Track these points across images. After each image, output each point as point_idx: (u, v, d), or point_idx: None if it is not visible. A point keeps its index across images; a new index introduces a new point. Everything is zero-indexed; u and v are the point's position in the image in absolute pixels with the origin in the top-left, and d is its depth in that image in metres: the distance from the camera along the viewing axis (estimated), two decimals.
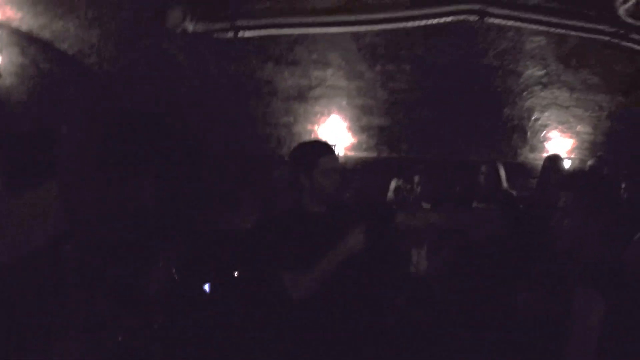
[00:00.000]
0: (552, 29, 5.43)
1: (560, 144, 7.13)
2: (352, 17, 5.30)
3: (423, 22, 5.20)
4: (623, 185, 5.63)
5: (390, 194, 6.23)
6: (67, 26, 6.31)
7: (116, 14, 6.16)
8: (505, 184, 5.51)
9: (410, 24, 5.25)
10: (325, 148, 2.98)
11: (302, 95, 7.27)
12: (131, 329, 4.61)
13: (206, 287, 5.50)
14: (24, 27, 6.18)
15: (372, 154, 7.53)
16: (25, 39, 6.33)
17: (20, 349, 4.32)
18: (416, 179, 5.59)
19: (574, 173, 5.79)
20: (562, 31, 5.46)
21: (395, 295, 5.35)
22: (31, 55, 6.46)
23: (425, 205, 5.50)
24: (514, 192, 5.59)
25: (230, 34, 5.68)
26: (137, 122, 7.85)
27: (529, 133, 7.18)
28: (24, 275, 5.70)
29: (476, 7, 5.09)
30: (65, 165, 6.78)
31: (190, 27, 5.57)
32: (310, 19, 5.40)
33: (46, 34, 6.45)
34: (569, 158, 7.00)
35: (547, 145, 7.18)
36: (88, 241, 6.70)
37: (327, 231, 2.82)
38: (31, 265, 5.88)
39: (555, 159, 5.88)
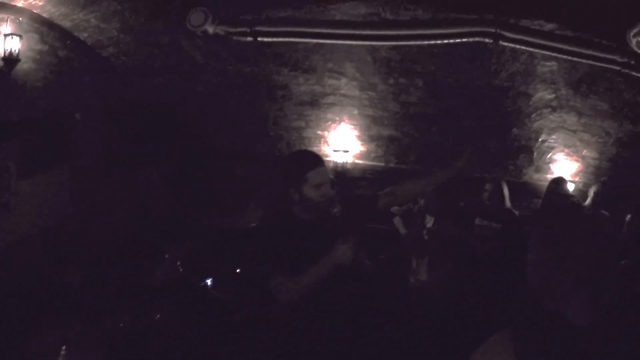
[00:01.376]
0: (565, 56, 5.45)
1: (565, 166, 7.16)
2: (370, 32, 5.35)
3: (439, 42, 5.25)
4: (628, 217, 5.68)
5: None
6: (87, 17, 6.42)
7: (137, 9, 6.25)
8: (508, 202, 5.61)
9: (426, 42, 5.31)
10: (313, 161, 2.93)
11: (315, 102, 7.39)
12: (133, 316, 4.70)
13: (208, 281, 5.64)
14: (45, 15, 6.31)
15: (380, 163, 7.64)
16: (45, 26, 6.46)
17: (22, 328, 4.42)
18: None
19: (548, 204, 5.78)
20: (574, 59, 5.46)
21: (394, 303, 5.45)
22: (50, 43, 6.60)
23: (429, 218, 5.62)
24: (517, 212, 5.68)
25: (250, 39, 5.71)
26: (150, 115, 7.97)
27: (535, 154, 7.23)
28: (29, 253, 5.85)
29: (491, 30, 5.10)
30: (77, 151, 6.89)
31: (211, 29, 5.61)
32: (328, 31, 5.44)
33: (67, 23, 6.60)
34: (573, 181, 7.02)
35: (552, 167, 7.23)
36: (94, 227, 6.84)
37: (317, 238, 2.86)
38: (37, 245, 6.05)
39: (560, 182, 5.96)
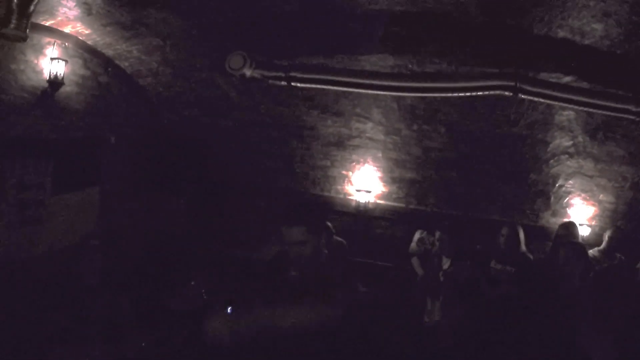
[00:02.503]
0: (581, 108, 5.60)
1: (582, 210, 7.21)
2: (397, 83, 5.57)
3: (461, 94, 5.48)
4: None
5: (413, 245, 6.47)
6: (130, 48, 6.79)
7: (178, 46, 6.58)
8: (523, 247, 5.70)
9: (449, 94, 5.53)
10: (288, 221, 3.05)
11: (341, 143, 7.63)
12: (156, 337, 4.85)
13: (229, 309, 5.82)
14: (90, 42, 6.66)
15: (401, 205, 7.82)
16: (89, 53, 6.81)
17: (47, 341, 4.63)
18: (437, 234, 5.76)
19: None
20: (590, 110, 5.61)
21: (406, 343, 5.57)
22: (93, 68, 6.95)
23: (445, 260, 5.68)
24: (531, 256, 5.77)
25: (284, 83, 5.98)
26: (180, 145, 8.26)
27: (552, 198, 7.29)
28: (54, 268, 6.10)
29: (511, 83, 5.30)
30: (108, 172, 7.17)
31: (248, 72, 5.86)
32: (358, 80, 5.66)
33: (109, 52, 6.97)
34: (589, 225, 7.10)
35: (569, 211, 7.27)
36: (119, 247, 7.09)
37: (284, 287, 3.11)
38: (64, 260, 6.32)
39: (569, 227, 6.07)
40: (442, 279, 5.64)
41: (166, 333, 5.02)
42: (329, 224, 5.30)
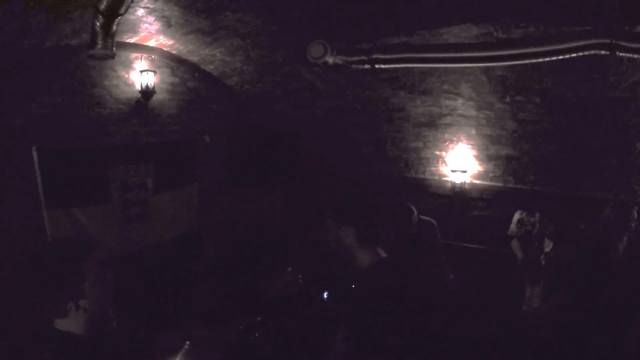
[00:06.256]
0: None
1: None
2: (484, 54, 5.35)
3: (553, 58, 5.18)
4: None
5: (512, 226, 6.22)
6: (213, 52, 7.08)
7: (259, 44, 6.72)
8: None
9: (540, 59, 5.24)
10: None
11: (432, 123, 7.48)
12: (252, 321, 4.99)
13: (325, 294, 5.87)
14: (175, 52, 7.09)
15: (498, 184, 7.53)
16: (175, 62, 7.30)
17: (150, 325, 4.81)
18: (538, 214, 5.54)
19: None
20: None
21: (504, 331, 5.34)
22: (180, 75, 7.44)
23: (547, 243, 5.40)
24: None
25: (367, 66, 5.92)
26: (272, 138, 8.49)
27: None
28: (159, 260, 6.47)
29: (606, 41, 4.88)
30: (205, 170, 7.49)
31: (330, 60, 5.88)
32: (442, 55, 5.51)
33: (194, 58, 7.34)
34: None
35: None
36: (218, 239, 7.36)
37: None
38: (168, 252, 6.62)
39: None
40: (543, 262, 5.36)
41: (262, 318, 5.15)
42: (411, 206, 5.13)
